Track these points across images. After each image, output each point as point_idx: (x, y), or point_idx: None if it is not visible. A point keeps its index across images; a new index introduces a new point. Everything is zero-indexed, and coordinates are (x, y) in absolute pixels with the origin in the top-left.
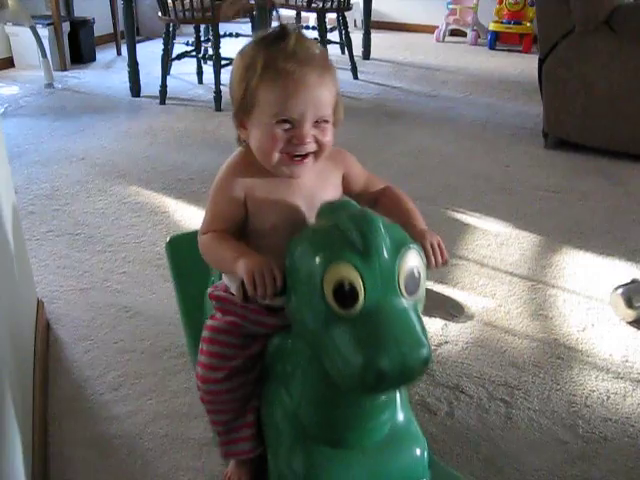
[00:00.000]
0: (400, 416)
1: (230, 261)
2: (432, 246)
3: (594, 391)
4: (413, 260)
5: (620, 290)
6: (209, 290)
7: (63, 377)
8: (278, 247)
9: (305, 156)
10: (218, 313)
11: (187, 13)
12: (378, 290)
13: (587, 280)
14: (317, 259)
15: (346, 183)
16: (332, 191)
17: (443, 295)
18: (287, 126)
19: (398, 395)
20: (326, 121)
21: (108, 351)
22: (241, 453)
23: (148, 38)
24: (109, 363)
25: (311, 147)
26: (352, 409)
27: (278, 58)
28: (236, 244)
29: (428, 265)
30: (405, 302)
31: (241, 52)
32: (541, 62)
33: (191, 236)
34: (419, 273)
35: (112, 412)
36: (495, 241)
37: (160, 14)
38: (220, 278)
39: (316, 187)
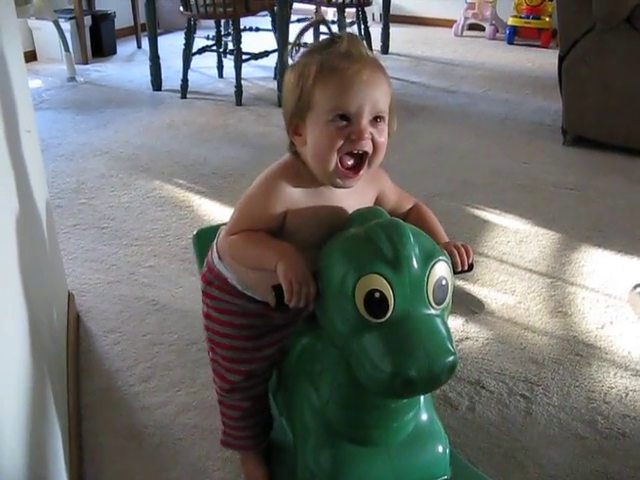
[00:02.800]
0: (424, 415)
1: (270, 260)
2: (457, 248)
3: (613, 388)
4: (441, 270)
5: (639, 289)
6: (201, 286)
7: (94, 368)
8: (307, 258)
9: (360, 166)
10: (213, 312)
11: (208, 8)
12: (407, 300)
13: (606, 278)
14: (349, 270)
15: (378, 202)
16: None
17: (464, 291)
18: (344, 123)
19: (422, 396)
20: (382, 119)
21: (137, 343)
22: (245, 447)
23: (167, 31)
24: (138, 355)
25: (368, 146)
26: (378, 409)
27: (332, 59)
28: (275, 242)
29: (454, 267)
30: (433, 311)
31: (292, 65)
32: (561, 59)
33: (218, 229)
34: (447, 283)
35: (143, 403)
36: (514, 238)
37: (182, 9)
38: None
39: (354, 203)
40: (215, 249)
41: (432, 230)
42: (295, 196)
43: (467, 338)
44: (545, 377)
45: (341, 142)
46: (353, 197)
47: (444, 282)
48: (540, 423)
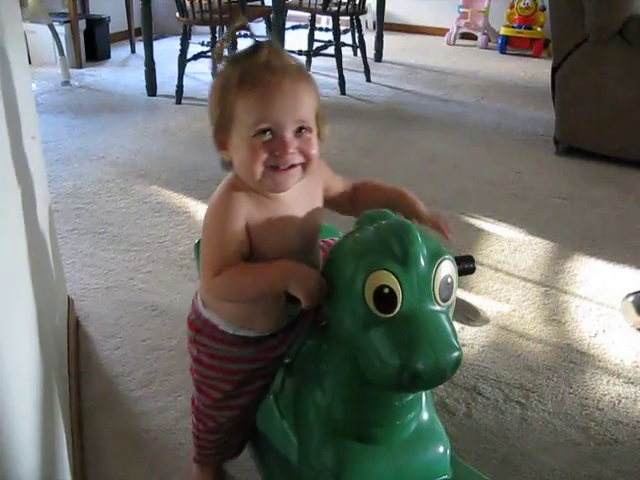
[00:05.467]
0: (425, 415)
1: (273, 281)
2: (434, 219)
3: (606, 395)
4: (447, 269)
5: (631, 297)
6: (190, 334)
7: (94, 373)
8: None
9: (290, 167)
10: (205, 357)
11: (205, 14)
12: (415, 296)
13: (598, 287)
14: (359, 266)
15: (326, 193)
16: (319, 204)
17: (459, 299)
18: (268, 137)
19: (424, 396)
20: (308, 130)
21: (137, 348)
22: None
23: (161, 36)
24: (139, 360)
25: (296, 158)
26: (382, 408)
27: (252, 70)
28: (263, 264)
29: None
30: (439, 307)
31: (216, 75)
32: (554, 70)
33: None
34: (452, 281)
35: (143, 408)
36: (509, 247)
37: (178, 15)
38: None
39: (305, 203)
40: (198, 298)
41: (392, 189)
42: (250, 205)
43: (463, 345)
44: (540, 384)
45: (265, 156)
46: (301, 196)
47: (449, 280)
48: (535, 429)
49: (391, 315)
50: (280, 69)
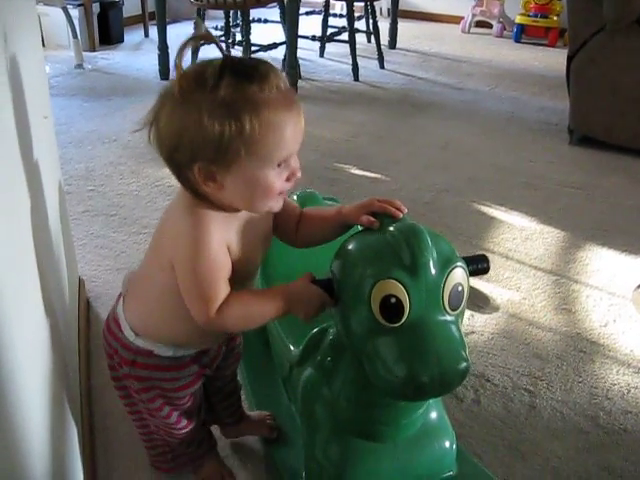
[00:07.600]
0: (432, 411)
1: (278, 309)
2: (379, 201)
3: (615, 384)
4: (458, 277)
5: None
6: (123, 370)
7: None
8: (248, 279)
9: None
10: (143, 394)
11: None
12: (423, 305)
13: (610, 277)
14: (366, 274)
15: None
16: (270, 218)
17: (469, 287)
18: (282, 166)
19: None
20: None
21: None
22: (201, 456)
23: (174, 20)
24: None
25: None
26: (388, 407)
27: (269, 100)
28: (264, 292)
29: (392, 215)
30: (448, 317)
31: (202, 99)
32: (570, 59)
33: None
34: (462, 289)
35: None
36: (520, 235)
37: None
38: None
39: (266, 217)
40: (126, 327)
41: (330, 210)
42: (222, 223)
43: (472, 332)
44: (549, 372)
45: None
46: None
47: (460, 288)
48: (543, 417)
49: (397, 325)
50: (292, 95)
